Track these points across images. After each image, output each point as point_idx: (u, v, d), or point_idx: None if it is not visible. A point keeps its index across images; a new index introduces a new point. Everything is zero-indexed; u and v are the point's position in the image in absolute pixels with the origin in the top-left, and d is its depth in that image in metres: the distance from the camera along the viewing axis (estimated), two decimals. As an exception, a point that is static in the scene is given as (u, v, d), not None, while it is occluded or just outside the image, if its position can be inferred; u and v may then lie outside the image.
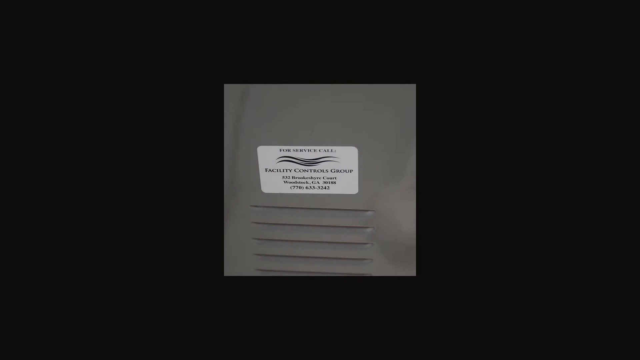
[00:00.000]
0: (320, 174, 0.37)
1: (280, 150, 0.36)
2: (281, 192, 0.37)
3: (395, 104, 0.33)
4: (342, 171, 0.36)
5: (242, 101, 0.34)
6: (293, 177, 0.37)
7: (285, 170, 0.36)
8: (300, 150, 0.36)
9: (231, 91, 0.33)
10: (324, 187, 0.37)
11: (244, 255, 0.41)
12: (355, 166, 0.36)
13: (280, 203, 0.38)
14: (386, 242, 0.39)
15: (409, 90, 0.33)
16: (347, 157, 0.36)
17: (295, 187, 0.37)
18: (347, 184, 0.37)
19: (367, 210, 0.38)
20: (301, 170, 0.36)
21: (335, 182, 0.37)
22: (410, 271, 0.40)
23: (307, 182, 0.37)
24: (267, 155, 0.36)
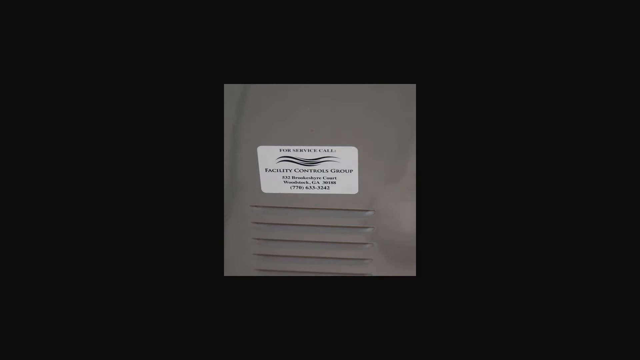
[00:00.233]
0: (320, 174, 0.37)
1: (280, 150, 0.36)
2: (281, 192, 0.37)
3: (395, 104, 0.33)
4: (342, 171, 0.36)
5: (242, 101, 0.34)
6: (293, 177, 0.37)
7: (285, 170, 0.36)
8: (300, 150, 0.36)
9: (231, 91, 0.33)
10: (324, 187, 0.37)
11: (244, 255, 0.41)
12: (355, 166, 0.36)
13: (280, 203, 0.38)
14: (386, 242, 0.39)
15: (409, 90, 0.33)
16: (347, 157, 0.36)
17: (295, 187, 0.37)
18: (347, 184, 0.37)
19: (367, 210, 0.38)
20: (301, 170, 0.36)
21: (335, 182, 0.37)
22: (410, 271, 0.40)
23: (307, 182, 0.37)
24: (267, 155, 0.36)
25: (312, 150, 0.35)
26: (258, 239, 0.40)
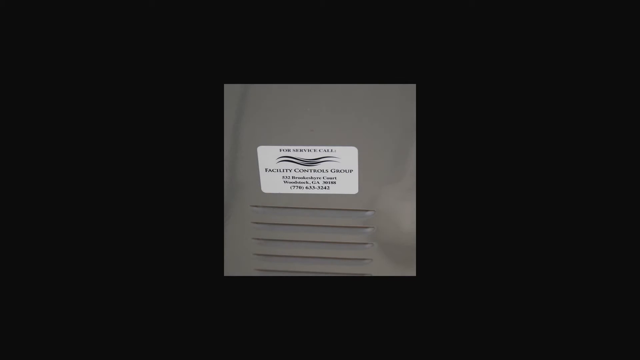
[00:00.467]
0: (320, 174, 0.37)
1: (280, 150, 0.36)
2: (281, 192, 0.37)
3: (395, 104, 0.33)
4: (342, 171, 0.36)
5: (242, 101, 0.34)
6: (293, 177, 0.37)
7: (285, 170, 0.36)
8: (300, 150, 0.36)
9: (231, 91, 0.33)
10: (324, 187, 0.37)
11: (244, 255, 0.41)
12: (355, 166, 0.36)
13: (280, 203, 0.38)
14: (386, 242, 0.39)
15: (409, 90, 0.33)
16: (347, 157, 0.36)
17: (295, 187, 0.37)
18: (347, 184, 0.37)
19: (367, 210, 0.38)
20: (301, 170, 0.36)
21: (335, 182, 0.37)
22: (410, 271, 0.40)
23: (307, 182, 0.37)
24: (267, 155, 0.36)
25: (312, 150, 0.35)
26: (258, 239, 0.40)
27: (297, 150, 0.36)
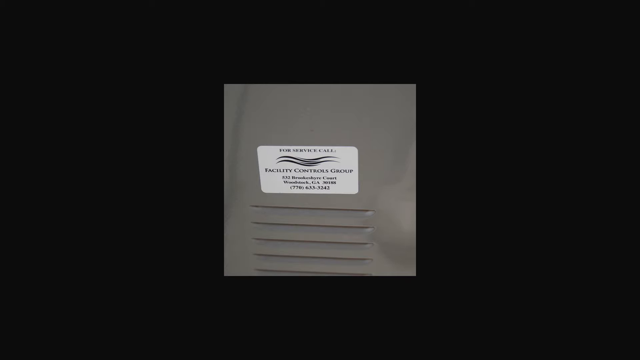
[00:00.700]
0: (320, 174, 0.37)
1: (280, 150, 0.36)
2: (281, 192, 0.37)
3: (395, 104, 0.33)
4: (342, 171, 0.36)
5: (242, 101, 0.34)
6: (293, 177, 0.37)
7: (285, 170, 0.36)
8: (300, 150, 0.36)
9: (231, 91, 0.33)
10: (324, 187, 0.37)
11: (244, 255, 0.41)
12: (355, 166, 0.36)
13: (280, 203, 0.38)
14: (386, 242, 0.39)
15: (409, 90, 0.33)
16: (347, 157, 0.36)
17: (295, 187, 0.37)
18: (347, 184, 0.37)
19: (367, 210, 0.38)
20: (301, 170, 0.36)
21: (335, 182, 0.37)
22: (410, 271, 0.40)
23: (307, 182, 0.37)
24: (267, 155, 0.36)
25: (312, 150, 0.35)
26: (258, 239, 0.40)
27: (297, 150, 0.36)
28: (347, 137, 0.35)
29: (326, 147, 0.35)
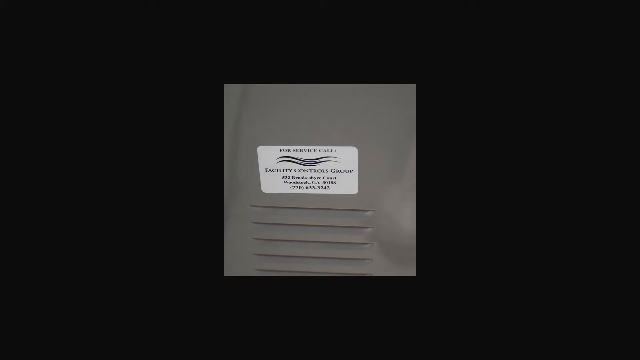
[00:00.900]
0: (320, 174, 0.37)
1: (280, 150, 0.36)
2: (281, 192, 0.37)
3: (395, 104, 0.33)
4: (342, 171, 0.36)
5: (242, 101, 0.34)
6: (293, 177, 0.37)
7: (285, 170, 0.36)
8: (300, 150, 0.36)
9: (231, 91, 0.33)
10: (324, 187, 0.37)
11: (244, 255, 0.41)
12: (355, 166, 0.36)
13: (280, 203, 0.38)
14: (386, 242, 0.39)
15: (409, 90, 0.33)
16: (347, 157, 0.36)
17: (295, 187, 0.37)
18: (347, 184, 0.37)
19: (367, 210, 0.38)
20: (301, 170, 0.36)
21: (335, 182, 0.37)
22: (410, 271, 0.40)
23: (307, 182, 0.37)
24: (267, 155, 0.36)
25: (312, 150, 0.35)
26: (258, 239, 0.40)
27: (297, 150, 0.36)
28: (347, 137, 0.35)
29: (326, 147, 0.35)
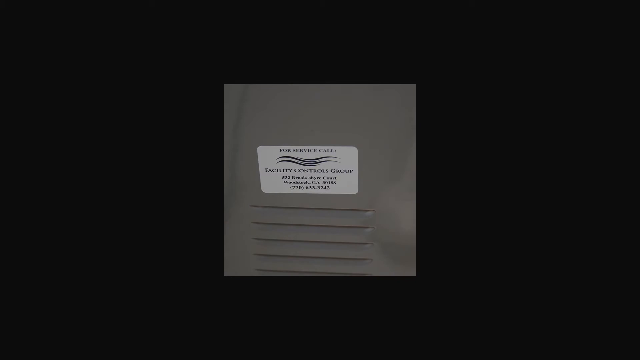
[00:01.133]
0: (320, 174, 0.37)
1: (280, 150, 0.36)
2: (281, 192, 0.37)
3: (395, 104, 0.33)
4: (342, 171, 0.36)
5: (242, 101, 0.34)
6: (293, 177, 0.37)
7: (285, 170, 0.36)
8: (300, 150, 0.36)
9: (231, 91, 0.33)
10: (324, 187, 0.37)
11: (244, 255, 0.41)
12: (355, 166, 0.36)
13: (280, 203, 0.38)
14: (386, 242, 0.39)
15: (409, 90, 0.33)
16: (347, 157, 0.36)
17: (295, 187, 0.37)
18: (347, 184, 0.37)
19: (367, 210, 0.38)
20: (301, 170, 0.36)
21: (335, 182, 0.37)
22: (410, 271, 0.40)
23: (307, 182, 0.37)
24: (267, 155, 0.36)
25: (312, 150, 0.35)
26: (258, 239, 0.40)
27: (297, 150, 0.36)
28: (347, 137, 0.35)
29: (326, 147, 0.35)
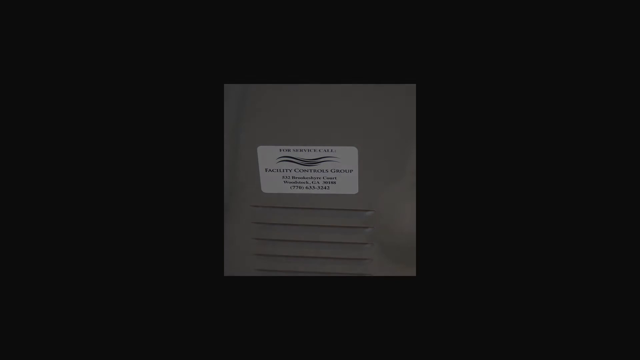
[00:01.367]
0: (320, 174, 0.37)
1: (280, 150, 0.36)
2: (281, 192, 0.37)
3: (395, 104, 0.33)
4: (342, 171, 0.36)
5: (242, 101, 0.34)
6: (293, 177, 0.37)
7: (285, 170, 0.36)
8: (300, 150, 0.36)
9: (231, 91, 0.33)
10: (324, 187, 0.37)
11: (244, 255, 0.41)
12: (355, 166, 0.36)
13: (280, 203, 0.38)
14: (386, 242, 0.39)
15: (409, 90, 0.33)
16: (347, 157, 0.36)
17: (295, 187, 0.37)
18: (347, 184, 0.37)
19: (367, 210, 0.38)
20: (301, 170, 0.36)
21: (335, 182, 0.37)
22: (410, 271, 0.40)
23: (307, 182, 0.37)
24: (267, 155, 0.36)
25: (312, 150, 0.36)
26: (258, 239, 0.40)
27: (297, 150, 0.36)
28: (347, 137, 0.35)
29: (326, 147, 0.35)
